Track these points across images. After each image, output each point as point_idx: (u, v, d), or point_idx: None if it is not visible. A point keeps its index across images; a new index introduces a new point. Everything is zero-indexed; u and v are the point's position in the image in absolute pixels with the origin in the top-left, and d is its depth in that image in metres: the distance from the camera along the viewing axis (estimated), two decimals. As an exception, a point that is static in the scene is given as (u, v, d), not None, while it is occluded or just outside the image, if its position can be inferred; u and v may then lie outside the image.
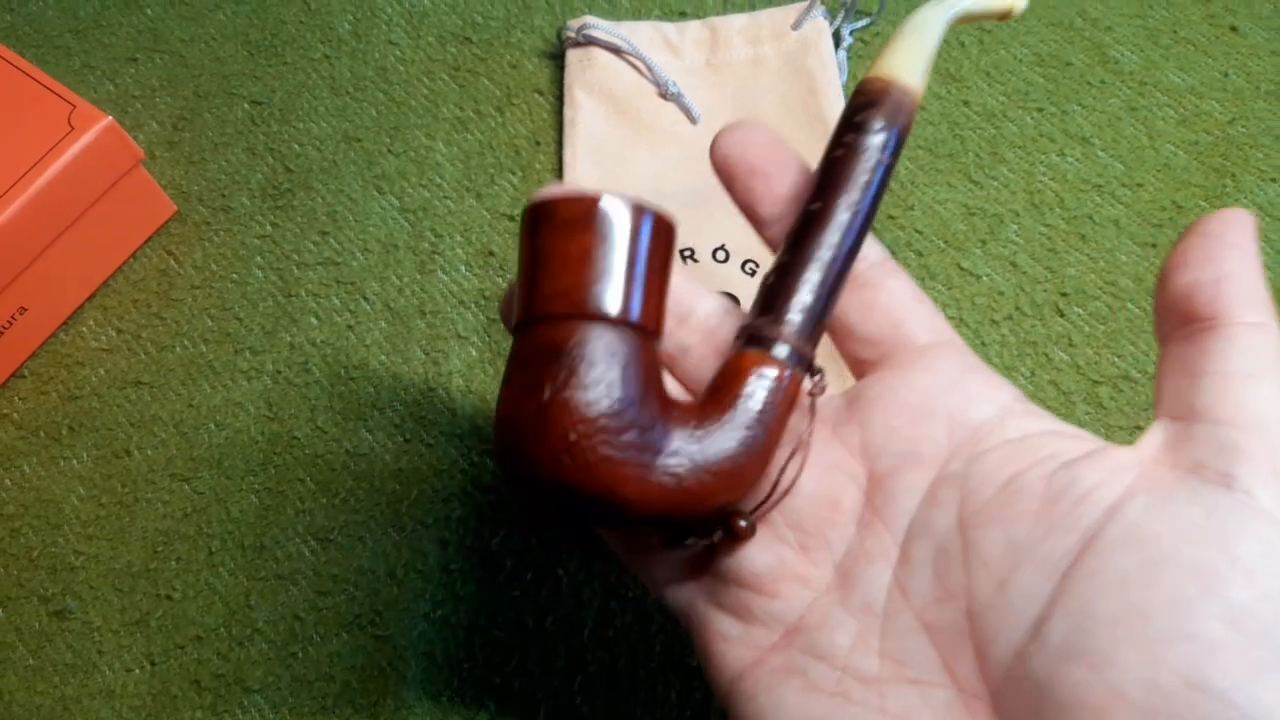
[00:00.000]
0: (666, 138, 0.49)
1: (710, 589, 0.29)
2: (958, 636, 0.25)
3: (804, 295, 0.27)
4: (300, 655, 0.41)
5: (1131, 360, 0.44)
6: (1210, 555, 0.22)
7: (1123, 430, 0.43)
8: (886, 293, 0.29)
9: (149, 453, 0.44)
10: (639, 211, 0.26)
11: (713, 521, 0.28)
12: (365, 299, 0.47)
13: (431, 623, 0.41)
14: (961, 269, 0.47)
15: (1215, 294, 0.25)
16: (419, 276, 0.47)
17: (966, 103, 0.50)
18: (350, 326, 0.46)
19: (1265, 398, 0.24)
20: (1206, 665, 0.21)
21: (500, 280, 0.47)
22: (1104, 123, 0.50)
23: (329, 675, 0.40)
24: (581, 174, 0.48)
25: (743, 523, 0.27)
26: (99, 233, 0.46)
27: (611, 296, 0.26)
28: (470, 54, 0.53)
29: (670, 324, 0.29)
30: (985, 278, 0.46)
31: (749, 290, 0.45)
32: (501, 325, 0.46)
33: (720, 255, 0.46)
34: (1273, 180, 0.48)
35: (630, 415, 0.25)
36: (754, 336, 0.27)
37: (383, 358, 0.46)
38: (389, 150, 0.50)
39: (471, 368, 0.45)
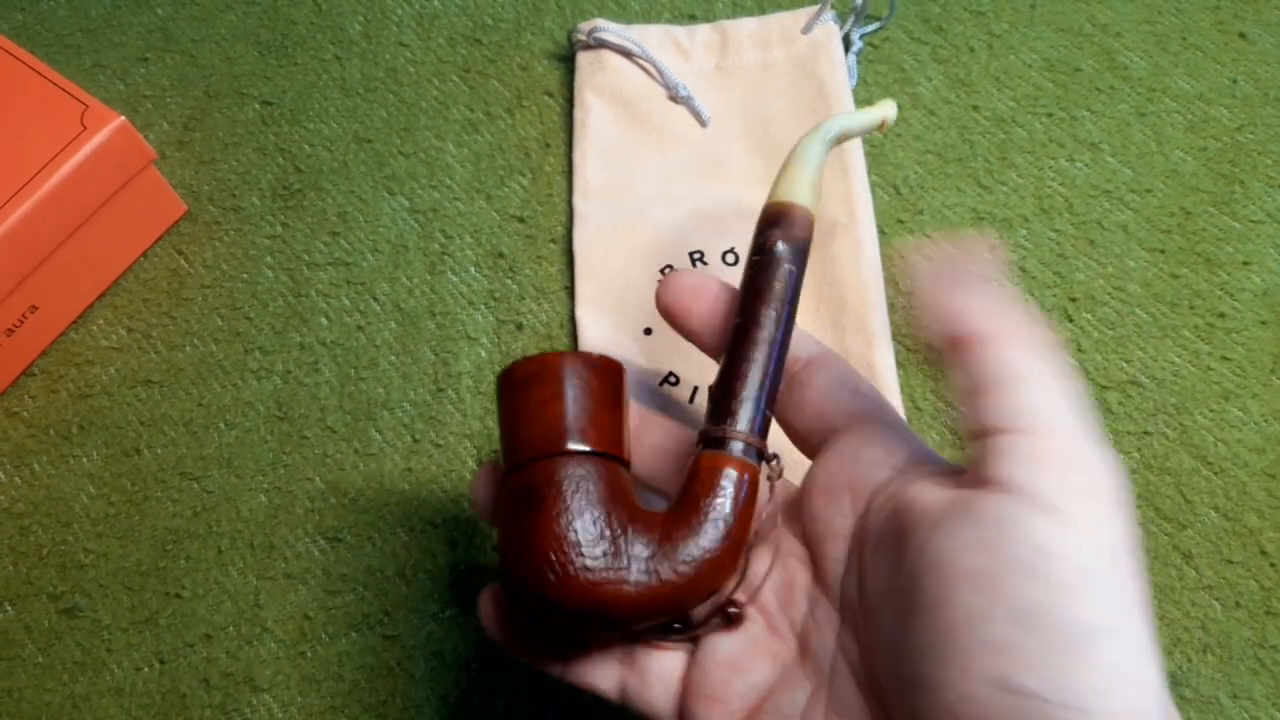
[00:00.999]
0: (676, 141, 0.49)
1: (689, 678, 0.31)
2: (872, 684, 0.27)
3: (746, 396, 0.30)
4: (309, 654, 0.41)
5: (1140, 365, 0.44)
6: (988, 563, 0.23)
7: (1131, 435, 0.43)
8: (813, 389, 0.32)
9: (159, 451, 0.44)
10: (584, 361, 0.31)
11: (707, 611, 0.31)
12: (375, 299, 0.47)
13: (440, 622, 0.41)
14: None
15: (963, 320, 0.27)
16: (429, 277, 0.47)
17: (976, 108, 0.51)
18: (360, 327, 0.46)
19: (1030, 396, 0.25)
20: (1009, 668, 0.22)
21: (510, 282, 0.47)
22: (1113, 128, 0.50)
23: (338, 674, 0.40)
24: (591, 176, 0.48)
25: (733, 609, 0.31)
26: (110, 232, 0.46)
27: (569, 436, 0.30)
28: (480, 56, 0.53)
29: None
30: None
31: None
32: (510, 327, 0.46)
33: (730, 258, 0.46)
34: (1281, 187, 0.48)
35: (599, 531, 0.29)
36: (709, 439, 0.30)
37: (392, 358, 0.46)
38: (399, 151, 0.50)
39: (481, 368, 0.45)
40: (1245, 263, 0.47)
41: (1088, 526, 0.23)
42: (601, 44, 0.50)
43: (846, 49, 0.51)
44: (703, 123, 0.50)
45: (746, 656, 0.30)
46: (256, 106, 0.52)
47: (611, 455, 0.30)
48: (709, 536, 0.29)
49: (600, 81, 0.50)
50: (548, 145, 0.50)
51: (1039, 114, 0.50)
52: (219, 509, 0.43)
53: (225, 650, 0.41)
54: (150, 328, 0.47)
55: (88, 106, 0.44)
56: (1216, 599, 0.41)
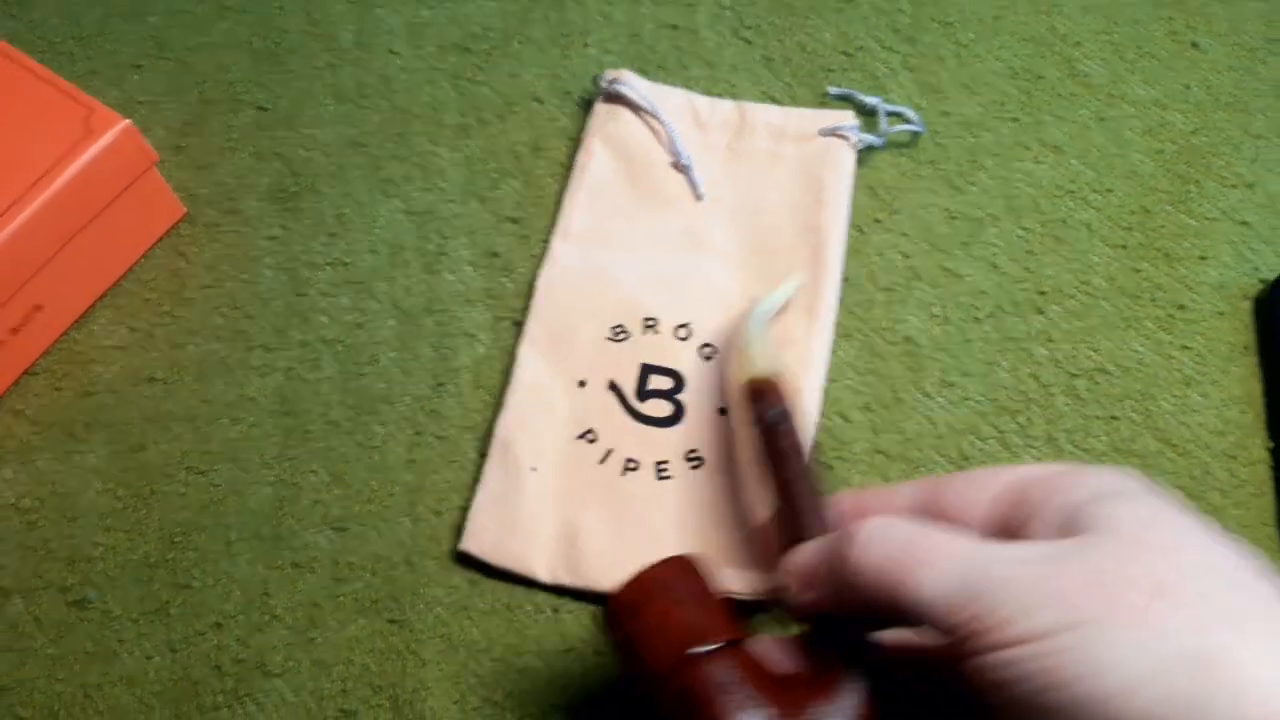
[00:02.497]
0: (666, 207, 0.50)
1: None
2: None
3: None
4: (319, 640, 0.42)
5: (1106, 354, 0.47)
6: None
7: (1099, 420, 0.46)
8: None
9: (164, 447, 0.45)
10: (676, 566, 0.35)
11: None
12: (374, 298, 0.48)
13: (447, 607, 0.42)
14: (945, 269, 0.49)
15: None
16: (426, 277, 0.49)
17: (946, 113, 0.53)
18: (360, 325, 0.48)
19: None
20: None
21: (505, 280, 0.49)
22: (1075, 132, 0.53)
23: (348, 659, 0.42)
24: (575, 219, 0.49)
25: None
26: (112, 233, 0.47)
27: (697, 634, 0.33)
28: (470, 64, 0.54)
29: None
30: (968, 278, 0.49)
31: (700, 370, 0.46)
32: (507, 323, 0.48)
33: (682, 333, 0.47)
34: (1233, 186, 0.51)
35: (763, 716, 0.31)
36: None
37: (392, 354, 0.47)
38: (393, 155, 0.52)
39: (480, 364, 0.47)
40: (1202, 258, 0.49)
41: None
42: (620, 96, 0.51)
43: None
44: (697, 196, 0.50)
45: None
46: (251, 112, 0.53)
47: (735, 640, 0.33)
48: (854, 694, 0.32)
49: (611, 131, 0.51)
50: (538, 149, 0.52)
51: (1005, 119, 0.53)
52: (226, 502, 0.44)
53: (236, 638, 0.42)
54: (153, 327, 0.48)
55: (92, 110, 0.45)
56: (1182, 572, 0.43)
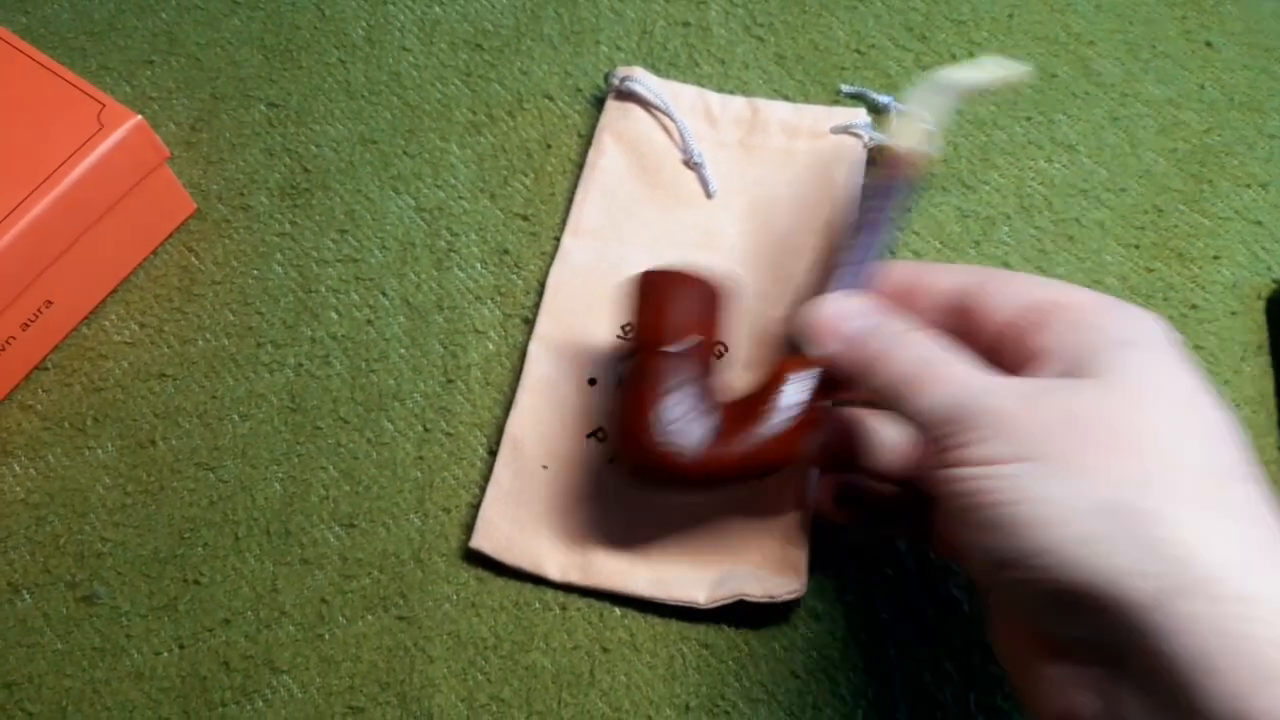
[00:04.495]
0: (678, 204, 0.50)
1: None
2: None
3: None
4: (327, 636, 0.42)
5: (1119, 354, 0.47)
6: None
7: (1112, 420, 0.45)
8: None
9: (173, 442, 0.45)
10: (699, 278, 0.40)
11: None
12: (384, 295, 0.48)
13: (455, 604, 0.42)
14: (957, 268, 0.49)
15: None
16: (436, 273, 0.49)
17: (959, 112, 0.53)
18: (370, 321, 0.48)
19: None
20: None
21: (515, 277, 0.49)
22: (1088, 131, 0.52)
23: (356, 655, 0.41)
24: (586, 215, 0.49)
25: None
26: (123, 228, 0.47)
27: (671, 335, 0.38)
28: (481, 60, 0.54)
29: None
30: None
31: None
32: (517, 320, 0.48)
33: None
34: (1247, 186, 0.51)
35: (691, 409, 0.37)
36: (792, 345, 0.39)
37: (402, 351, 0.47)
38: (404, 152, 0.52)
39: (489, 361, 0.47)
40: (1215, 257, 0.49)
41: None
42: (631, 94, 0.51)
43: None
44: (709, 194, 0.50)
45: None
46: (262, 108, 0.53)
47: (703, 355, 0.38)
48: (778, 425, 0.37)
49: (622, 128, 0.51)
50: (549, 146, 0.52)
51: (1018, 118, 0.53)
52: (235, 498, 0.44)
53: (244, 634, 0.42)
54: (162, 323, 0.48)
55: (104, 105, 0.45)
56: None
